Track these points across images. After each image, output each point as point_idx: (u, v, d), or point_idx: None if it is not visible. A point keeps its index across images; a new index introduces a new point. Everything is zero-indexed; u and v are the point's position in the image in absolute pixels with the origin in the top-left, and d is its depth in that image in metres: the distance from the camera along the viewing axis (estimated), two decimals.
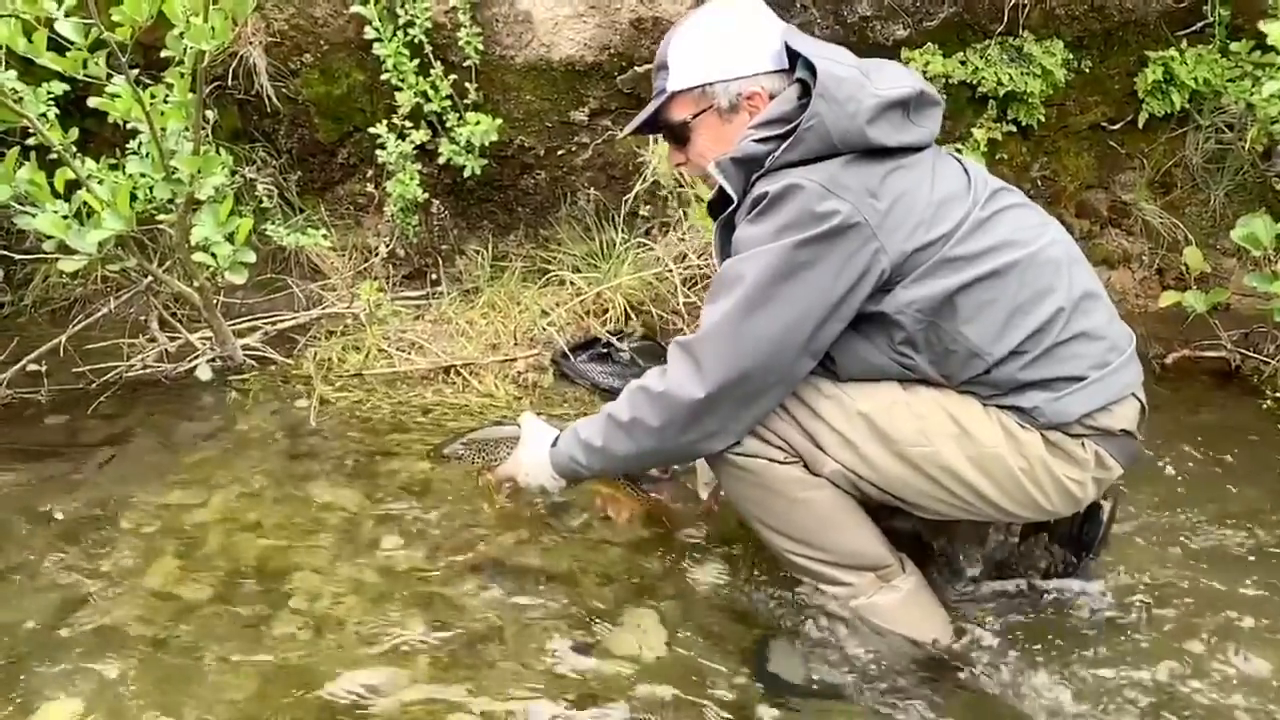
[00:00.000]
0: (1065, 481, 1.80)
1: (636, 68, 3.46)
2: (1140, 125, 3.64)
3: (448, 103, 3.49)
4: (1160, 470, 2.61)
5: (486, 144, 3.50)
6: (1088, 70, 3.54)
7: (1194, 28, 3.47)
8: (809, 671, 1.88)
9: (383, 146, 3.47)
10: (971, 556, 2.14)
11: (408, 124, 3.49)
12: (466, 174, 3.53)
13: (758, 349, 1.70)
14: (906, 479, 1.80)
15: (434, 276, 3.81)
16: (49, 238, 2.55)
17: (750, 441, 1.81)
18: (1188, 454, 2.69)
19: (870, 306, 1.74)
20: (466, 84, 3.49)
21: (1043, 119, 3.56)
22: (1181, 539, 2.31)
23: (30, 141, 2.72)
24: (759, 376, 1.72)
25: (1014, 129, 3.60)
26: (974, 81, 3.45)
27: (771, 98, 1.86)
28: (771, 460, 1.82)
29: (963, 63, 3.45)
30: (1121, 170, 3.82)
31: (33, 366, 3.08)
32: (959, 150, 3.46)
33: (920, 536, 2.15)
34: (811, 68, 1.76)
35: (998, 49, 3.46)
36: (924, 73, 3.39)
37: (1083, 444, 1.80)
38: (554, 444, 1.95)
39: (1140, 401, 1.87)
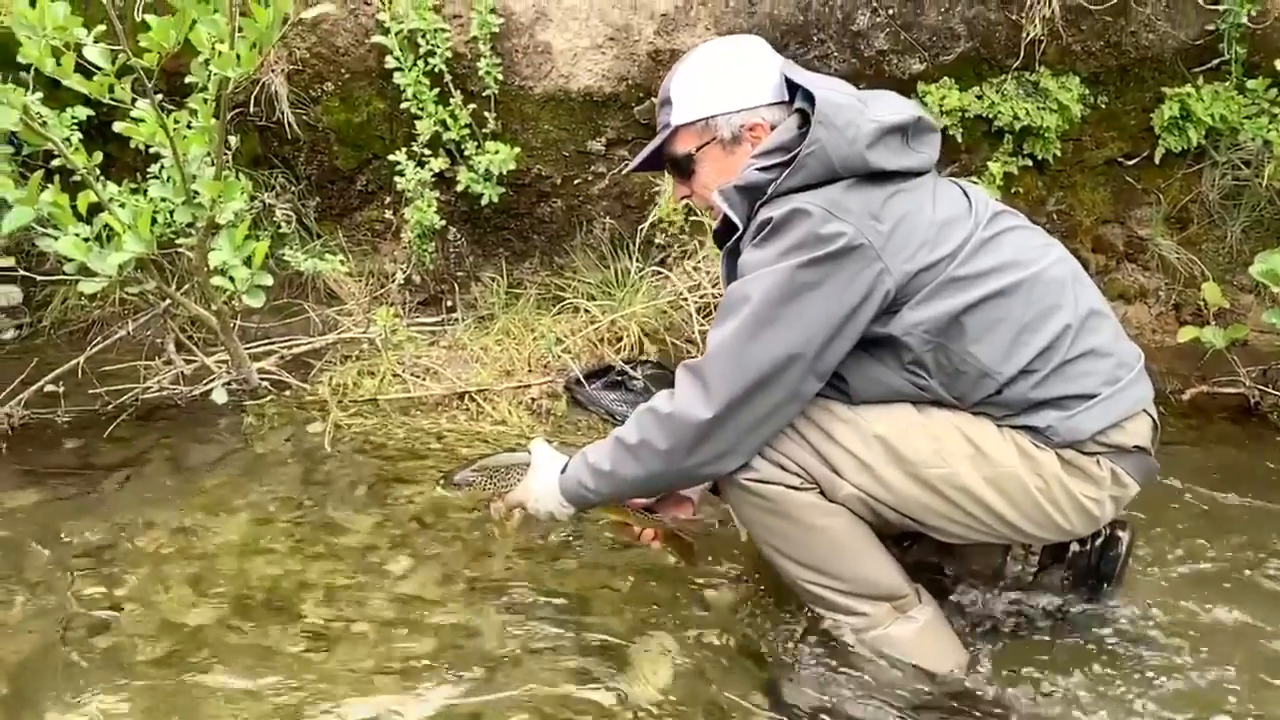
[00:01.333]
0: (1082, 500, 1.80)
1: (654, 98, 3.47)
2: (1157, 161, 3.64)
3: (466, 131, 3.52)
4: (1178, 506, 2.58)
5: (504, 172, 3.53)
6: (1104, 106, 3.55)
7: (1210, 64, 3.48)
8: (825, 703, 1.86)
9: (401, 174, 3.50)
10: (989, 586, 2.11)
11: (426, 152, 3.52)
12: (484, 202, 3.56)
13: (764, 369, 1.70)
14: (924, 501, 1.79)
15: (449, 303, 3.83)
16: (70, 260, 2.57)
17: (765, 467, 1.81)
18: (1206, 490, 2.66)
19: (878, 329, 1.75)
20: (485, 113, 3.52)
21: (1059, 153, 3.57)
22: (1201, 573, 2.28)
23: (54, 164, 2.75)
24: (766, 397, 1.72)
25: (1030, 163, 3.61)
26: (990, 115, 3.47)
27: (772, 128, 1.88)
28: (787, 486, 1.81)
29: (979, 97, 3.46)
30: (1138, 205, 3.82)
31: (50, 388, 3.09)
32: (975, 183, 3.47)
33: (936, 567, 2.13)
34: (810, 97, 1.79)
35: (1014, 83, 3.48)
36: (940, 107, 3.42)
37: (1098, 461, 1.80)
38: (563, 470, 1.95)
39: (1152, 417, 1.87)
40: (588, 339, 3.48)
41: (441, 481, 2.20)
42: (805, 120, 1.80)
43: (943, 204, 1.81)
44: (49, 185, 2.53)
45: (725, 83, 1.92)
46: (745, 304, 1.72)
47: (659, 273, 3.64)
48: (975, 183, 3.50)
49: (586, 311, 3.57)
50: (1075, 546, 2.06)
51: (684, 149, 1.96)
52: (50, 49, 2.30)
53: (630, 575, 2.29)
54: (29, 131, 2.49)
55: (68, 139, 2.82)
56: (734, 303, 1.74)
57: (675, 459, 1.77)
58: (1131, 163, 3.72)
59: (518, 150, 3.54)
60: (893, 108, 1.84)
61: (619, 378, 3.35)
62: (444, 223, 3.61)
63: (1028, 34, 3.36)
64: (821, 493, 1.82)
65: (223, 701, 1.88)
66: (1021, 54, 3.41)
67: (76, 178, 2.66)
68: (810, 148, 1.73)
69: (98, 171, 2.75)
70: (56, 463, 2.86)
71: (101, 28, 2.32)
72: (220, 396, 3.04)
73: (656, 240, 3.69)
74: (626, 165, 3.55)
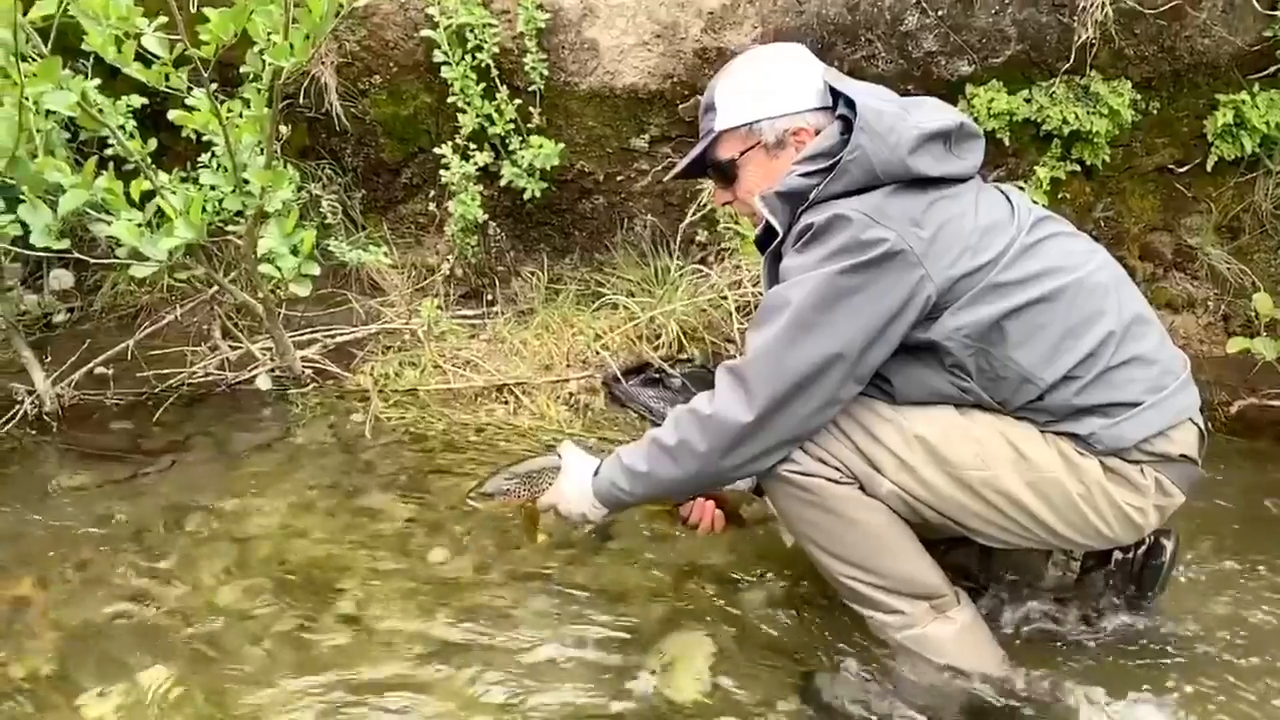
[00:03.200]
0: (1125, 508, 1.78)
1: (699, 96, 3.47)
2: (1209, 168, 3.58)
3: (511, 126, 3.54)
4: (1224, 517, 2.53)
5: (548, 168, 3.55)
6: (1155, 111, 3.49)
7: (1266, 71, 3.41)
8: (862, 704, 1.85)
9: (446, 167, 3.53)
10: (1029, 591, 2.09)
11: (471, 146, 3.54)
12: (526, 196, 3.58)
13: (804, 373, 1.70)
14: (964, 503, 1.78)
15: (490, 297, 3.85)
16: (122, 244, 2.62)
17: (806, 460, 1.81)
18: (1254, 502, 2.62)
19: (919, 335, 1.75)
20: (530, 108, 3.54)
21: (1108, 159, 3.52)
22: (1246, 585, 2.25)
23: (108, 152, 2.81)
24: (806, 401, 1.73)
25: (1078, 168, 3.56)
26: (1039, 120, 3.43)
27: (816, 133, 1.89)
28: (827, 480, 1.81)
29: (1027, 100, 3.42)
30: (1188, 214, 3.75)
31: (100, 370, 3.16)
32: (1021, 188, 3.44)
33: (976, 571, 2.11)
34: (852, 104, 1.79)
35: (1064, 87, 3.43)
36: (987, 110, 3.38)
37: (1142, 470, 1.78)
38: (596, 472, 1.96)
39: (1199, 427, 1.85)
40: (626, 336, 3.48)
41: (473, 493, 2.25)
42: (848, 127, 1.80)
43: (985, 210, 1.80)
44: (103, 172, 2.58)
45: (769, 88, 1.92)
46: (786, 308, 1.72)
47: (699, 271, 3.64)
48: (1021, 188, 3.46)
49: (625, 308, 3.58)
50: (1118, 554, 2.04)
51: (727, 154, 1.96)
52: (112, 38, 2.35)
53: (666, 569, 2.30)
54: (86, 117, 2.54)
55: (122, 126, 2.87)
56: (775, 307, 1.74)
57: (713, 460, 1.77)
58: (1182, 170, 3.66)
59: (561, 146, 3.55)
60: (935, 114, 1.84)
61: (657, 375, 3.36)
62: (486, 217, 3.64)
63: (1079, 37, 3.32)
64: (862, 488, 1.81)
65: (260, 681, 1.91)
66: (1072, 57, 3.36)
67: (130, 165, 2.71)
68: (852, 154, 1.74)
69: (149, 159, 2.80)
70: (106, 444, 2.92)
71: (162, 19, 2.36)
72: (265, 383, 3.09)
73: (698, 238, 3.69)
74: (669, 170, 3.57)
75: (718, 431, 1.75)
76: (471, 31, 3.45)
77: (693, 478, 1.82)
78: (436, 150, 3.56)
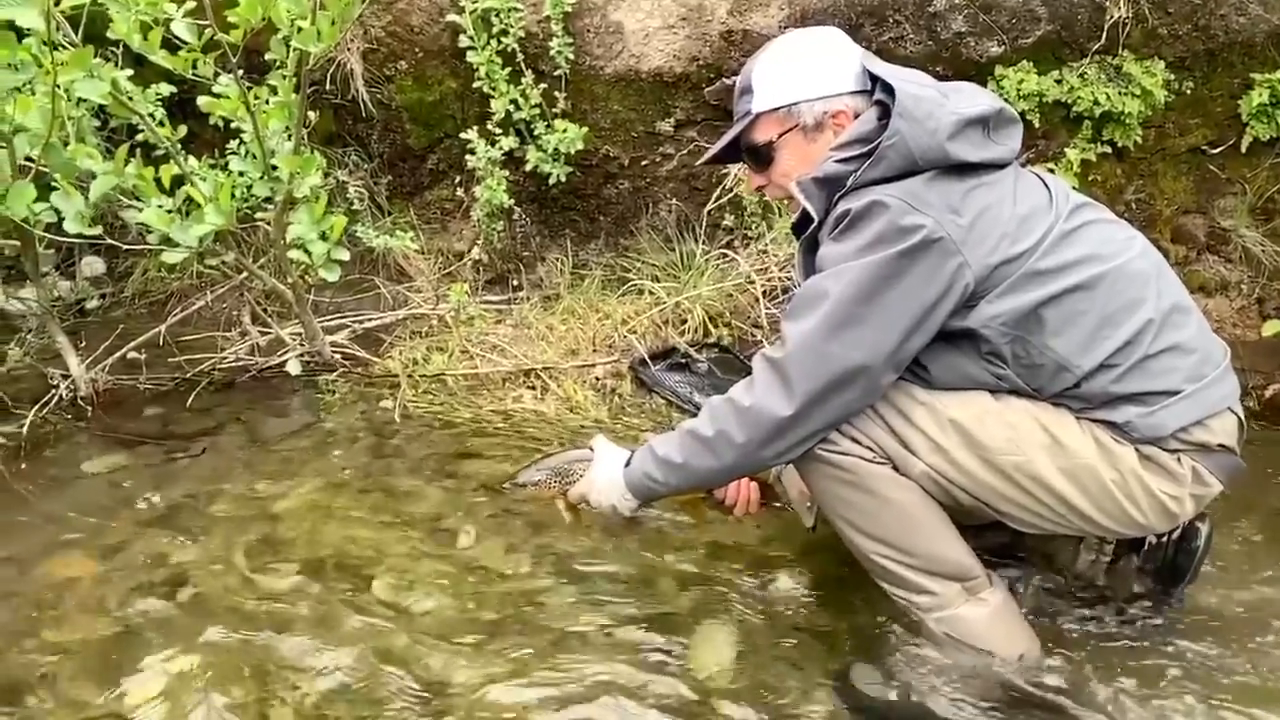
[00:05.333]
0: (1161, 496, 1.77)
1: (725, 79, 3.46)
2: (1243, 149, 3.53)
3: (537, 111, 3.54)
4: (1256, 505, 2.51)
5: (572, 152, 3.55)
6: (1189, 91, 3.44)
7: None
8: (893, 686, 1.85)
9: (472, 152, 3.53)
10: (1061, 576, 2.09)
11: (497, 131, 3.55)
12: (552, 181, 3.58)
13: (845, 365, 1.71)
14: (997, 487, 1.78)
15: (515, 282, 3.86)
16: (153, 231, 2.64)
17: (841, 440, 1.81)
18: None
19: (956, 322, 1.74)
20: (556, 93, 3.54)
21: (1139, 140, 3.47)
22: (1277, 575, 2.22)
23: (138, 139, 2.83)
24: (845, 392, 1.73)
25: (1109, 150, 3.52)
26: (1069, 101, 3.39)
27: (855, 116, 1.87)
28: (862, 459, 1.81)
29: (1058, 81, 3.38)
30: (1221, 195, 3.70)
31: (132, 355, 3.19)
32: (1051, 170, 3.40)
33: (1008, 555, 2.10)
34: (890, 90, 1.78)
35: (1095, 68, 3.39)
36: (1017, 91, 3.34)
37: (1179, 459, 1.77)
38: (627, 464, 1.96)
39: (1238, 416, 1.83)
40: (652, 321, 3.48)
41: (506, 485, 2.27)
42: (885, 112, 1.79)
43: (1024, 197, 1.79)
44: (132, 159, 2.60)
45: (808, 70, 1.90)
46: (825, 300, 1.71)
47: (725, 255, 3.63)
48: (1051, 170, 3.42)
49: (651, 293, 3.57)
50: (1151, 539, 2.02)
51: (764, 137, 1.94)
52: (139, 25, 2.37)
53: (695, 554, 2.30)
54: (117, 105, 2.56)
55: (152, 114, 2.90)
56: (813, 297, 1.74)
57: (751, 451, 1.78)
58: (1216, 151, 3.61)
59: (586, 130, 3.55)
60: (973, 99, 1.82)
61: (683, 360, 3.35)
62: (512, 202, 3.64)
63: (1111, 16, 3.28)
64: (895, 468, 1.81)
65: (291, 664, 1.93)
66: (1104, 37, 3.32)
67: (159, 153, 2.73)
68: (890, 139, 1.72)
69: (179, 145, 2.83)
70: (139, 430, 2.95)
71: (190, 3, 2.37)
72: (294, 368, 3.11)
73: (723, 223, 3.68)
74: (696, 155, 3.57)
75: (756, 423, 1.75)
76: (497, 16, 3.44)
77: (730, 468, 1.83)
78: (462, 135, 3.56)
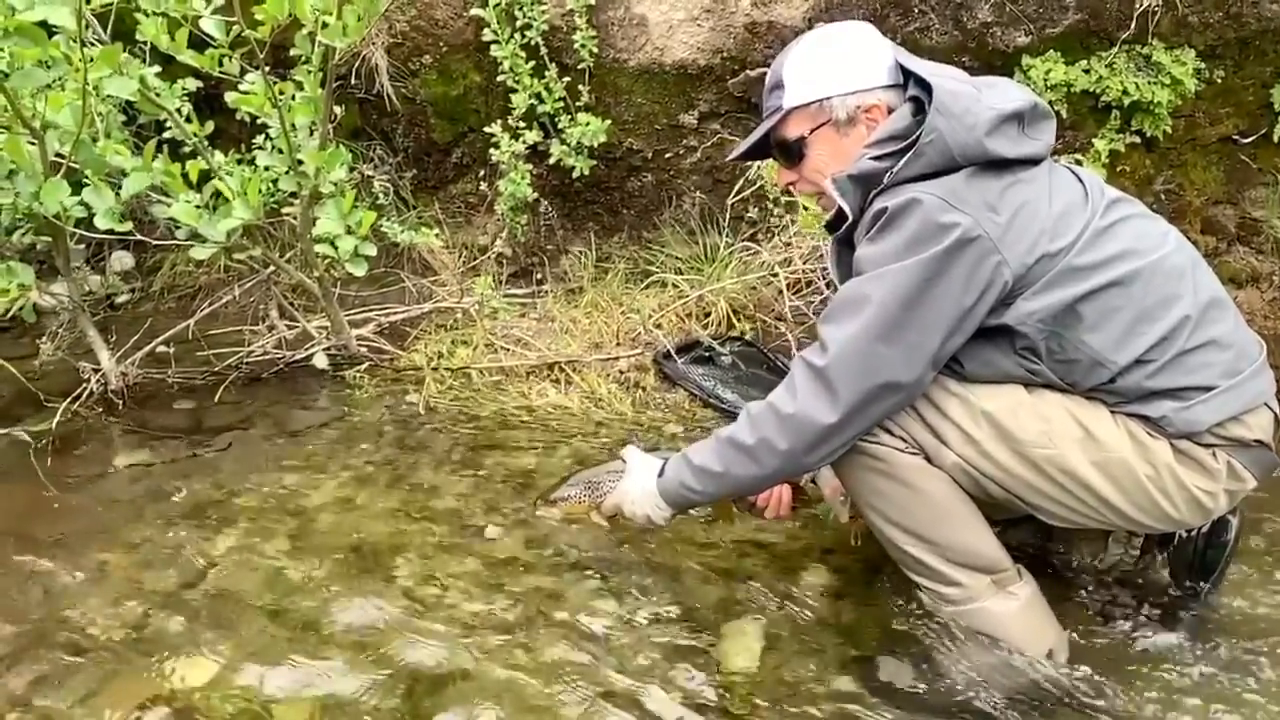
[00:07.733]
0: (1195, 491, 1.76)
1: (749, 71, 3.45)
2: (1275, 139, 3.48)
3: (560, 104, 3.54)
4: None
5: (595, 145, 3.54)
6: (1220, 80, 3.40)
7: None
8: (920, 682, 1.85)
9: (496, 146, 3.54)
10: (1090, 570, 2.07)
11: (521, 124, 3.55)
12: (575, 174, 3.58)
13: (889, 371, 1.70)
14: (1029, 480, 1.77)
15: (539, 275, 3.87)
16: (182, 226, 2.67)
17: (875, 431, 1.80)
18: None
19: (992, 319, 1.73)
20: (579, 86, 3.53)
21: (1169, 130, 3.43)
22: None
23: (165, 135, 2.85)
24: (888, 396, 1.73)
25: (1138, 140, 3.48)
26: (1097, 91, 3.35)
27: (889, 111, 1.85)
28: (894, 449, 1.80)
29: (1086, 71, 3.35)
30: (1252, 186, 3.65)
31: (161, 349, 3.23)
32: (1079, 161, 3.37)
33: (1037, 549, 2.09)
34: (924, 85, 1.76)
35: (1124, 57, 3.35)
36: (1044, 81, 3.31)
37: (1214, 454, 1.76)
38: (660, 473, 1.96)
39: (1274, 411, 1.81)
40: (675, 314, 3.48)
41: (539, 501, 2.28)
42: (919, 108, 1.77)
43: (1059, 192, 1.78)
44: (160, 155, 2.62)
45: (840, 64, 1.88)
46: (866, 304, 1.70)
47: (748, 248, 3.62)
48: (1079, 161, 3.39)
49: (674, 286, 3.57)
50: (1181, 533, 2.00)
51: (796, 132, 1.92)
52: (165, 26, 2.39)
53: (723, 551, 2.30)
54: (145, 101, 2.59)
55: (179, 110, 2.92)
56: (854, 301, 1.72)
57: (793, 458, 1.77)
58: (1247, 141, 3.56)
59: (609, 123, 3.55)
60: (1008, 94, 1.80)
61: (706, 353, 3.35)
62: (536, 196, 3.64)
63: (1141, 5, 3.24)
64: (928, 459, 1.81)
65: (317, 655, 1.95)
66: (1133, 25, 3.28)
67: (186, 149, 2.75)
68: (929, 136, 1.71)
69: (205, 141, 2.85)
70: (168, 424, 2.99)
71: (220, 0, 2.39)
72: (321, 361, 3.13)
73: (747, 215, 3.67)
74: (723, 149, 3.55)
75: (799, 430, 1.74)
76: (521, 9, 3.45)
77: (772, 475, 1.83)
78: (486, 129, 3.56)
